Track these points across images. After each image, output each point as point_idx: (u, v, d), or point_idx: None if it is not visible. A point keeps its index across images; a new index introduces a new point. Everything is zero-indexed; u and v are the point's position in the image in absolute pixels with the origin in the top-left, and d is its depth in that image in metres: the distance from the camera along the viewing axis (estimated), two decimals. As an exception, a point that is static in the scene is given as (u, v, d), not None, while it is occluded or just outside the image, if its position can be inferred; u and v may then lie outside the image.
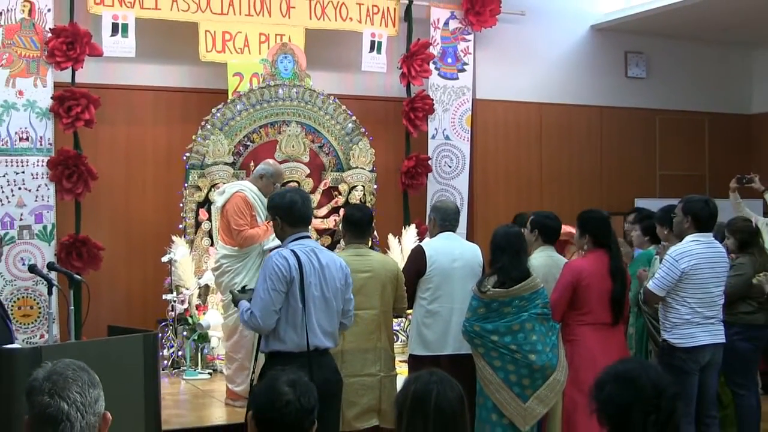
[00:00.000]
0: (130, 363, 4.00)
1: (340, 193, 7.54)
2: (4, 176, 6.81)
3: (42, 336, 6.80)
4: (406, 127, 8.21)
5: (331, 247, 7.26)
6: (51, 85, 6.97)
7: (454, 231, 4.97)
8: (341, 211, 5.72)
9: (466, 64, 8.61)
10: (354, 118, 7.61)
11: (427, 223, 5.34)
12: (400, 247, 7.59)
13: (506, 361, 4.33)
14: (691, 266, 4.64)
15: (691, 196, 4.89)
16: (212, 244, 6.90)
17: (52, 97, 6.92)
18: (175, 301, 6.71)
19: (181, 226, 7.09)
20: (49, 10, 6.94)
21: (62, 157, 6.90)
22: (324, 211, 7.49)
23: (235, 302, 4.03)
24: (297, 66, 7.40)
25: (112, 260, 7.24)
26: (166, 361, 6.57)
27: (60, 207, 7.03)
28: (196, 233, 7.05)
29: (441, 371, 2.48)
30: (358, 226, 4.61)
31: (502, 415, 4.33)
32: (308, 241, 3.91)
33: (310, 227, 7.14)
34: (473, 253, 4.90)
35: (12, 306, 6.73)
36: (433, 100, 8.31)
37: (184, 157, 7.12)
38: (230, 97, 7.34)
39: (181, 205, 7.10)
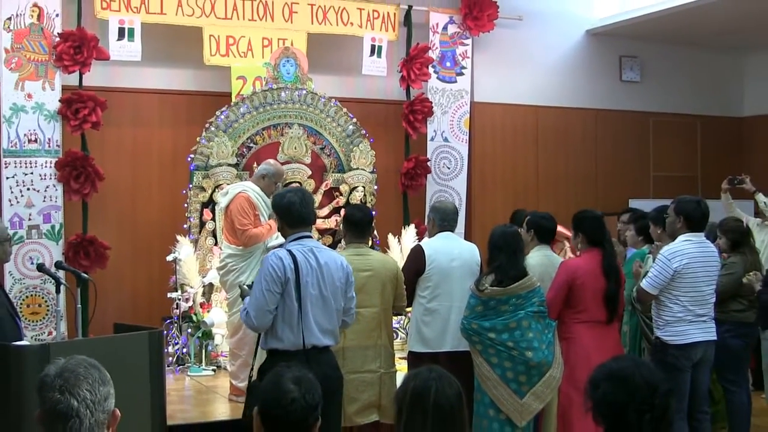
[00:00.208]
0: (136, 360, 4.00)
1: (341, 194, 7.54)
2: (13, 177, 6.81)
3: (50, 333, 6.81)
4: (405, 130, 8.21)
5: (332, 246, 7.26)
6: (59, 88, 6.98)
7: (452, 231, 4.96)
8: (342, 212, 5.73)
9: (464, 67, 8.62)
10: (355, 120, 7.61)
11: (426, 223, 5.35)
12: (400, 246, 7.59)
13: (503, 358, 4.33)
14: (683, 265, 4.64)
15: (683, 197, 4.89)
16: (216, 244, 6.90)
17: (60, 100, 6.93)
18: (179, 299, 6.71)
19: (185, 225, 7.09)
20: (57, 15, 6.95)
21: (70, 159, 6.91)
22: (325, 211, 7.49)
23: (243, 297, 4.03)
24: (299, 69, 7.40)
25: (119, 259, 7.24)
26: (171, 358, 6.57)
27: (67, 207, 7.04)
28: (200, 233, 7.06)
29: (440, 368, 2.47)
30: (359, 226, 4.60)
31: (500, 411, 4.33)
32: (308, 241, 3.87)
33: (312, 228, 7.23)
34: (471, 253, 4.90)
35: (21, 304, 6.74)
36: (432, 102, 8.32)
37: (189, 159, 7.12)
38: (234, 99, 7.35)
39: (186, 205, 7.11)
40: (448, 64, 8.55)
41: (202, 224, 7.06)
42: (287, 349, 3.72)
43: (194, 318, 6.71)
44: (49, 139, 6.94)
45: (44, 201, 6.92)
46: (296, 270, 3.71)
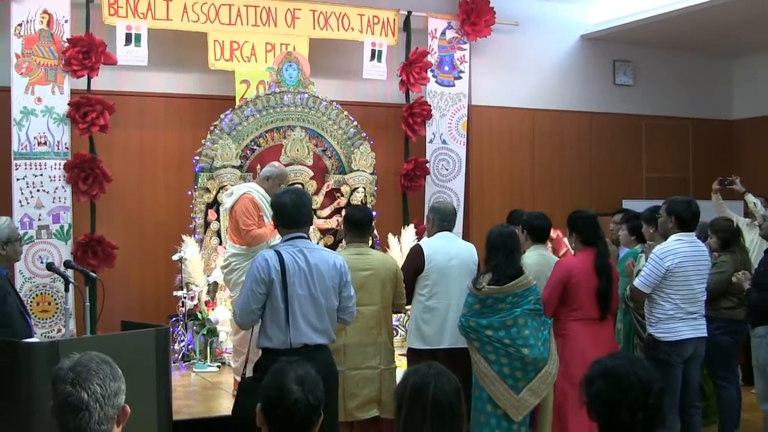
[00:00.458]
0: (143, 356, 4.00)
1: (342, 195, 7.54)
2: (23, 179, 6.81)
3: (59, 330, 6.80)
4: (405, 132, 8.21)
5: (334, 246, 7.27)
6: (68, 92, 6.97)
7: (451, 231, 4.97)
8: (343, 212, 5.72)
9: (462, 71, 8.62)
10: (355, 123, 7.61)
11: (425, 223, 5.35)
12: (400, 246, 7.59)
13: (500, 355, 4.33)
14: (675, 264, 4.65)
15: (674, 198, 4.90)
16: (221, 244, 6.90)
17: (68, 104, 6.92)
18: (185, 298, 6.72)
19: (191, 226, 7.09)
20: (66, 21, 6.95)
21: (78, 161, 6.91)
22: (327, 211, 7.50)
23: None
24: (301, 74, 7.40)
25: (126, 258, 7.24)
26: (176, 355, 6.57)
27: (76, 208, 7.03)
28: (205, 233, 7.06)
29: (439, 364, 2.47)
30: (359, 226, 4.60)
31: (497, 406, 4.34)
32: (299, 242, 3.83)
33: (313, 227, 7.23)
34: (469, 252, 4.90)
35: (31, 302, 6.74)
36: (430, 106, 8.32)
37: (194, 161, 7.12)
38: (238, 103, 7.35)
39: (191, 206, 7.11)
40: (446, 68, 8.54)
41: (207, 224, 7.06)
42: (276, 347, 3.70)
43: (199, 316, 6.72)
44: (58, 142, 6.94)
45: (53, 202, 6.92)
46: (282, 270, 3.68)
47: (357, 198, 7.49)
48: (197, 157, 7.10)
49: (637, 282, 4.74)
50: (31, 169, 6.84)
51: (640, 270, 4.88)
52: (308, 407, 2.29)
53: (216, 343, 6.72)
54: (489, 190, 8.92)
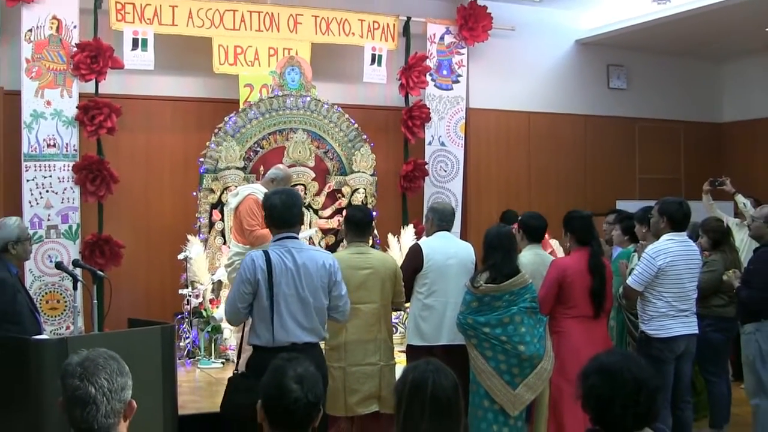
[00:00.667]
0: (149, 353, 4.00)
1: (343, 195, 7.54)
2: (33, 180, 6.82)
3: (68, 327, 6.81)
4: (404, 134, 8.21)
5: (335, 245, 7.28)
6: (76, 95, 6.98)
7: (449, 231, 4.96)
8: (344, 212, 5.72)
9: (460, 75, 8.62)
10: (356, 125, 7.61)
11: (424, 223, 5.35)
12: (399, 245, 7.59)
13: (497, 351, 4.33)
14: (667, 263, 4.65)
15: (666, 198, 4.90)
16: (225, 243, 6.90)
17: (77, 107, 6.93)
18: (190, 296, 6.72)
19: (195, 225, 7.09)
20: (74, 27, 6.96)
21: (86, 162, 6.91)
22: (328, 212, 7.50)
23: None
24: (303, 77, 7.40)
25: (133, 258, 7.25)
26: (182, 351, 6.56)
27: (84, 208, 7.04)
28: (209, 232, 7.06)
29: (437, 361, 2.47)
30: (360, 226, 4.59)
31: (494, 401, 4.34)
32: (288, 242, 3.79)
33: (315, 227, 7.24)
34: (467, 252, 4.90)
35: (40, 300, 6.75)
36: (429, 109, 8.32)
37: (199, 162, 7.13)
38: (241, 106, 7.35)
39: (196, 206, 7.11)
40: (444, 72, 8.55)
41: (212, 224, 7.06)
42: (264, 345, 3.69)
43: (204, 313, 6.71)
44: (66, 144, 6.95)
45: (62, 202, 6.92)
46: (269, 270, 3.67)
47: (358, 198, 7.49)
48: (202, 159, 7.10)
49: (630, 280, 4.74)
50: (40, 170, 6.84)
51: (632, 269, 4.89)
52: (307, 405, 2.28)
53: (220, 340, 6.72)
54: (486, 190, 8.92)
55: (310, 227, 7.25)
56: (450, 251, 4.80)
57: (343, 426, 4.51)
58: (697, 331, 4.84)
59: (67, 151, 6.94)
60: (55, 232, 6.89)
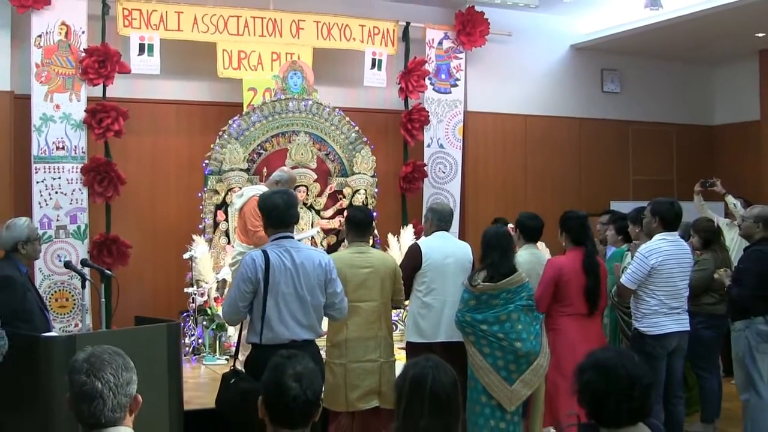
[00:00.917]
0: (156, 350, 4.01)
1: (344, 196, 7.55)
2: (42, 181, 6.83)
3: (76, 325, 6.82)
4: (404, 137, 8.22)
5: (336, 245, 7.28)
6: (84, 99, 6.99)
7: (447, 230, 4.96)
8: (345, 213, 5.72)
9: (458, 79, 8.62)
10: (357, 128, 7.62)
11: (423, 222, 5.35)
12: (399, 245, 7.59)
13: (494, 348, 4.33)
14: (659, 262, 4.65)
15: (658, 199, 4.90)
16: (229, 243, 6.90)
17: (85, 111, 6.94)
18: (195, 294, 6.72)
19: (200, 226, 7.10)
20: (83, 33, 6.97)
21: (94, 164, 6.92)
22: (330, 212, 7.50)
23: None
24: (305, 81, 7.41)
25: (139, 257, 7.25)
26: (187, 348, 6.57)
27: (92, 209, 7.04)
28: (214, 233, 7.06)
29: (437, 357, 2.47)
30: (360, 226, 4.59)
31: (491, 397, 4.34)
32: (286, 242, 3.79)
33: (317, 227, 7.24)
34: (464, 251, 4.89)
35: (49, 298, 6.75)
36: (428, 112, 8.32)
37: (204, 164, 7.13)
38: (245, 109, 7.35)
39: (201, 207, 7.11)
40: (443, 76, 8.55)
41: (216, 224, 7.06)
42: (265, 343, 3.68)
43: (209, 311, 6.72)
44: (75, 147, 6.95)
45: (71, 203, 6.93)
46: (267, 269, 3.66)
47: (358, 199, 7.50)
48: (207, 161, 7.11)
49: (623, 279, 4.74)
50: (49, 172, 6.85)
51: (625, 267, 4.89)
52: (306, 402, 2.29)
53: (224, 337, 6.72)
54: (484, 191, 8.91)
55: (312, 227, 7.26)
56: (448, 250, 4.80)
57: (344, 421, 4.51)
58: (688, 328, 4.84)
59: (75, 153, 6.95)
60: (64, 232, 6.90)
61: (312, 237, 7.09)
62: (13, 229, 4.43)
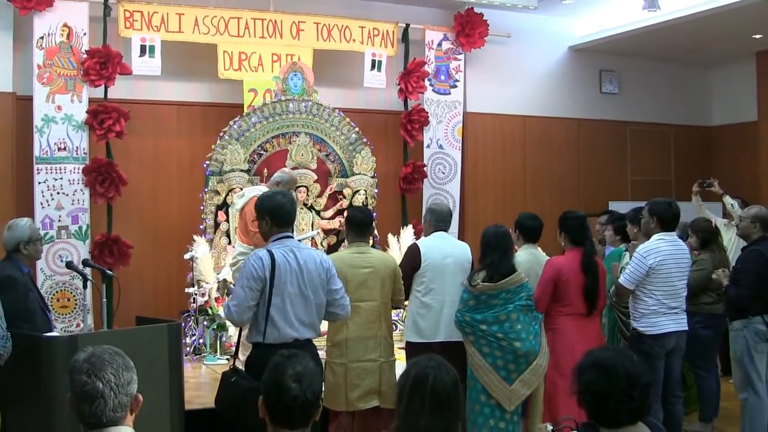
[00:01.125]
0: (157, 350, 4.01)
1: (344, 197, 7.54)
2: (44, 182, 6.82)
3: (78, 325, 6.81)
4: (403, 138, 8.21)
5: (336, 245, 7.28)
6: (86, 100, 6.98)
7: (446, 231, 4.96)
8: (345, 213, 5.72)
9: (457, 80, 8.62)
10: (357, 129, 7.61)
11: (422, 223, 5.35)
12: (399, 245, 7.58)
13: (494, 348, 4.33)
14: (657, 262, 4.65)
15: (656, 199, 4.90)
16: (230, 243, 6.90)
17: (87, 112, 6.93)
18: (196, 294, 6.71)
19: (201, 226, 7.09)
20: (84, 34, 6.96)
21: (96, 165, 6.91)
22: (330, 213, 7.49)
23: (229, 294, 4.02)
24: (306, 83, 7.40)
25: (141, 257, 7.24)
26: (188, 348, 6.56)
27: (94, 209, 7.03)
28: (215, 233, 7.05)
29: (439, 357, 2.47)
30: (360, 226, 4.59)
31: (490, 396, 4.34)
32: (289, 241, 3.80)
33: (317, 228, 7.24)
34: (463, 251, 4.89)
35: (51, 298, 6.74)
36: (427, 113, 8.32)
37: (205, 165, 7.12)
38: (246, 110, 7.35)
39: (202, 207, 7.11)
40: (442, 77, 8.54)
41: (217, 225, 7.06)
42: (269, 342, 3.68)
43: (210, 311, 6.71)
44: (77, 147, 6.95)
45: (72, 204, 6.92)
46: (273, 269, 3.66)
47: (358, 200, 7.49)
48: (207, 162, 7.10)
49: (621, 279, 4.74)
50: (51, 173, 6.84)
51: (624, 267, 4.89)
52: (305, 403, 2.29)
53: (225, 337, 6.71)
54: (483, 192, 8.91)
55: (312, 228, 7.25)
56: (447, 251, 4.79)
57: (344, 421, 4.50)
58: (686, 328, 4.84)
59: (77, 154, 6.94)
60: (66, 232, 6.89)
61: (312, 238, 7.08)
62: (15, 230, 4.43)
